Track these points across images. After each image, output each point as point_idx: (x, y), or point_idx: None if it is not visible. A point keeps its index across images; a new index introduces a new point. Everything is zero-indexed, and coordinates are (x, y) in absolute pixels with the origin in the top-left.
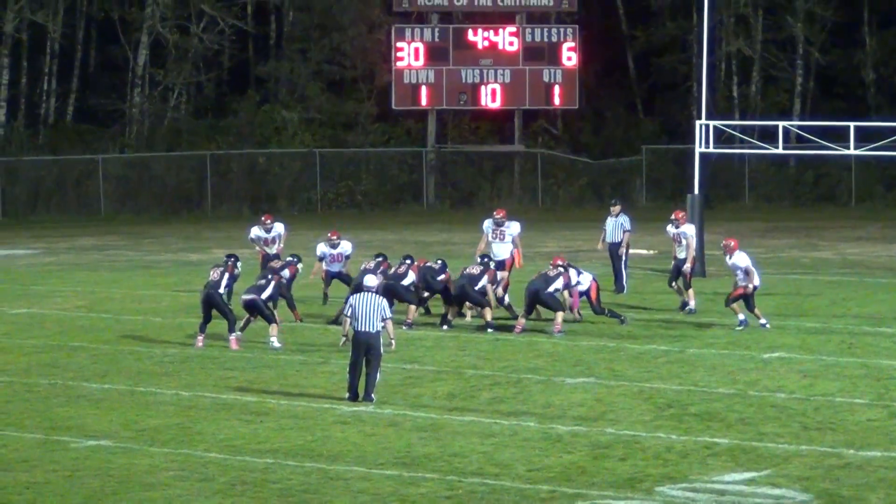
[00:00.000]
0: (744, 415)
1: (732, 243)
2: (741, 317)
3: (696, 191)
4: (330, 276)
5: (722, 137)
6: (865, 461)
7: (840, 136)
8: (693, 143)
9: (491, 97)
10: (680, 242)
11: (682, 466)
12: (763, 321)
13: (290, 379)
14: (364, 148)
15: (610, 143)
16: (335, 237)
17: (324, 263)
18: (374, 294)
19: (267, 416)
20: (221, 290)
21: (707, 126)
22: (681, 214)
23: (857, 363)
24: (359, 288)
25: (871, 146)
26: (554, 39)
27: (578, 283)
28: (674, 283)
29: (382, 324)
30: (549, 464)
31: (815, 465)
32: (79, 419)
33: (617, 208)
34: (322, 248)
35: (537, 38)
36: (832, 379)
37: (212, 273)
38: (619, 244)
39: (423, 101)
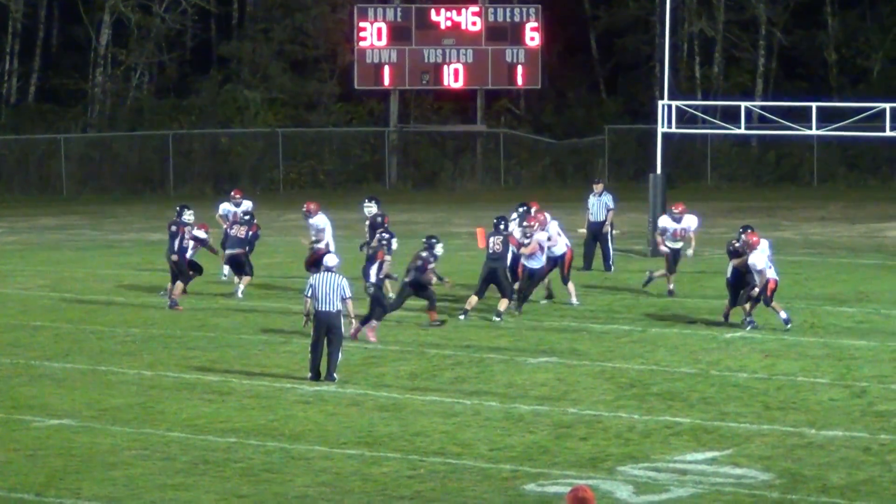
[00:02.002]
0: (706, 394)
1: (754, 240)
2: (783, 315)
3: (659, 170)
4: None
5: (684, 118)
6: (827, 440)
7: (802, 117)
8: (655, 123)
9: (453, 77)
10: (683, 237)
11: (643, 446)
12: (750, 319)
13: (253, 359)
14: (326, 128)
15: (572, 123)
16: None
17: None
18: (333, 274)
19: (229, 395)
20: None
21: (669, 106)
22: (681, 207)
23: (818, 343)
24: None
25: (833, 126)
26: (517, 19)
27: (551, 241)
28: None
29: (342, 303)
30: (511, 443)
31: (776, 444)
32: (41, 398)
33: (600, 186)
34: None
35: (500, 18)
36: (794, 359)
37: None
38: (602, 223)
39: (386, 81)
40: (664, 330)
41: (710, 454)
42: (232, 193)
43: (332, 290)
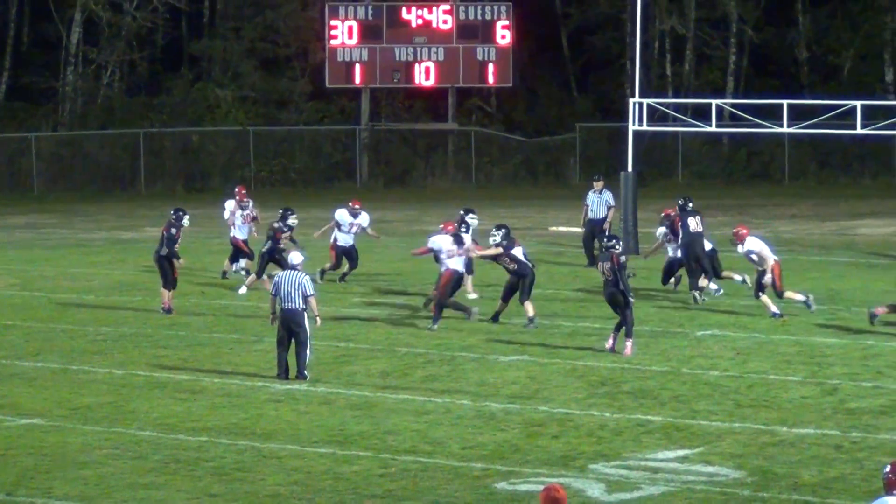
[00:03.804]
0: (677, 392)
1: (743, 231)
2: (801, 297)
3: (630, 168)
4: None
5: (655, 115)
6: (798, 438)
7: (773, 114)
8: (626, 121)
9: (425, 75)
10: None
11: (615, 444)
12: (774, 309)
13: (224, 357)
14: (298, 126)
15: (544, 120)
16: (356, 206)
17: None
18: (297, 272)
19: (200, 394)
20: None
21: (640, 104)
22: (674, 211)
23: (790, 341)
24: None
25: (804, 124)
26: (488, 17)
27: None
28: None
29: (304, 302)
30: (482, 441)
31: (748, 442)
32: (12, 397)
33: (600, 184)
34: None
35: (471, 16)
36: (765, 357)
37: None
38: (602, 220)
39: (357, 80)
40: (636, 328)
41: (681, 452)
42: (237, 189)
43: (295, 288)
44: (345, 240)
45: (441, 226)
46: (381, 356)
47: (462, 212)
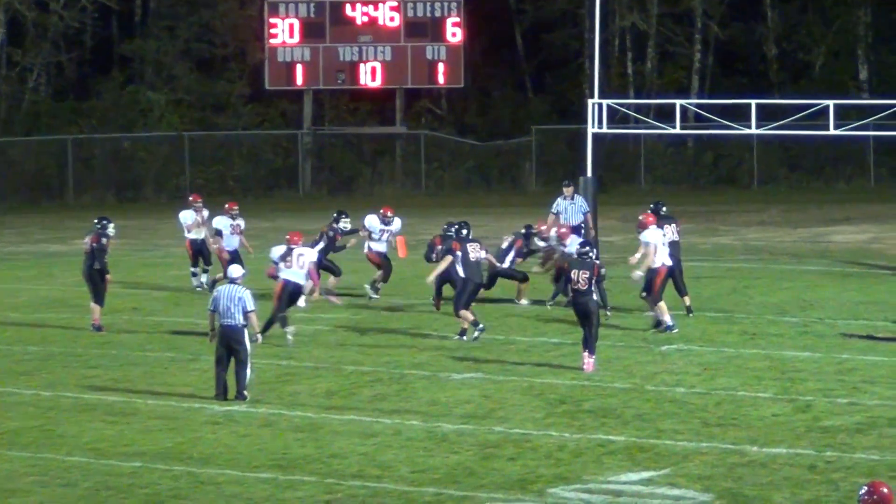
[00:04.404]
0: (641, 411)
1: (649, 220)
2: (667, 319)
3: (589, 173)
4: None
5: (616, 117)
6: (769, 458)
7: (741, 115)
8: (585, 123)
9: (371, 76)
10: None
11: (575, 466)
12: (669, 323)
13: (158, 377)
14: (236, 131)
15: (497, 123)
16: (389, 213)
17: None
18: (236, 286)
19: (133, 416)
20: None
21: (600, 105)
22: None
23: (760, 355)
24: None
25: (774, 125)
26: (437, 14)
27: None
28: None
29: (245, 318)
30: (434, 465)
31: (716, 463)
32: None
33: (570, 189)
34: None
35: (419, 13)
36: (734, 372)
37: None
38: (577, 227)
39: (299, 81)
40: (596, 342)
41: (645, 474)
42: (227, 206)
43: (234, 303)
44: (378, 248)
45: (288, 236)
46: (325, 375)
47: (335, 214)
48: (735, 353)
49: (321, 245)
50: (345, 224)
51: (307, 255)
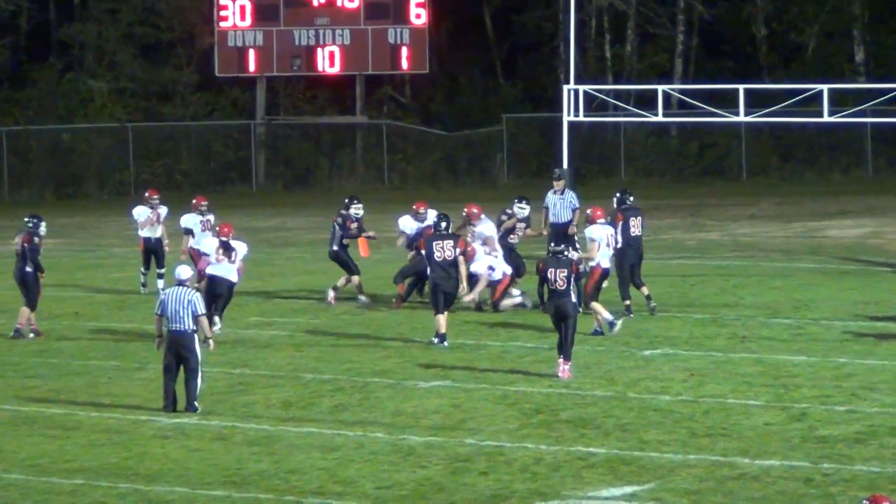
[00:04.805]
0: (623, 420)
1: (598, 213)
2: (607, 315)
3: (566, 165)
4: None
5: (593, 104)
6: (762, 471)
7: (728, 101)
8: (560, 111)
9: (329, 61)
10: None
11: (552, 480)
12: (609, 318)
13: (102, 387)
14: (184, 121)
15: (466, 112)
16: (422, 209)
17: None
18: (185, 288)
19: (75, 430)
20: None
21: (576, 91)
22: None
23: (751, 359)
24: None
25: (764, 111)
26: None
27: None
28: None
29: (195, 323)
30: (400, 480)
31: (705, 476)
32: None
33: (561, 183)
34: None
35: None
36: (723, 378)
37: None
38: (567, 224)
39: (251, 67)
40: (574, 347)
41: (628, 489)
42: (195, 202)
43: (183, 306)
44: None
45: (218, 228)
46: (282, 384)
47: (346, 200)
48: (724, 358)
49: (337, 238)
50: (356, 210)
51: (239, 250)
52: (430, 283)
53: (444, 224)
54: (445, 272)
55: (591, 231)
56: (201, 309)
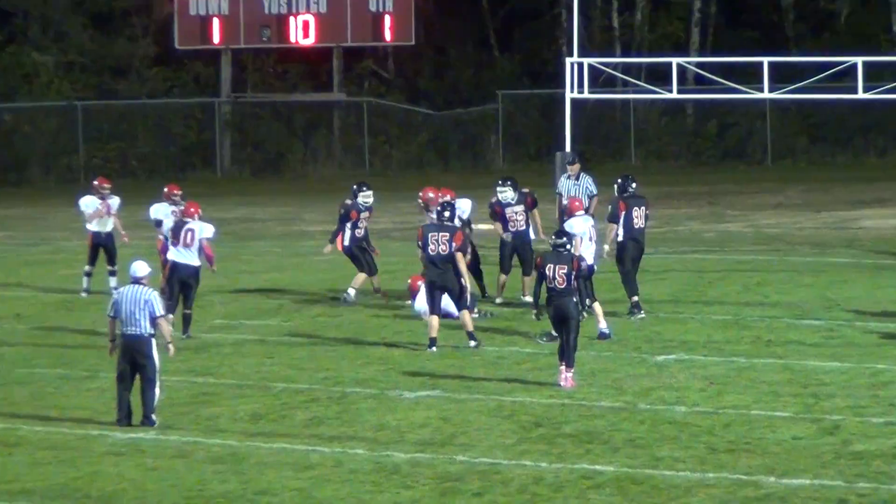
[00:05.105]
0: (633, 435)
1: (573, 203)
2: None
3: (568, 147)
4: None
5: (600, 79)
6: (790, 491)
7: (751, 76)
8: (562, 87)
9: (302, 32)
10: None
11: (554, 502)
12: (603, 326)
13: (48, 399)
14: (140, 99)
15: (456, 88)
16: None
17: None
18: (141, 287)
19: (18, 447)
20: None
21: (580, 65)
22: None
23: (777, 366)
24: None
25: (791, 87)
26: None
27: None
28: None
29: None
30: (383, 501)
31: (725, 497)
32: None
33: (576, 167)
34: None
35: None
36: (746, 387)
37: None
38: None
39: (215, 39)
40: (578, 353)
41: None
42: (167, 190)
43: (139, 307)
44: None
45: (182, 207)
46: (251, 394)
47: (354, 186)
48: (747, 364)
49: (348, 230)
50: (365, 199)
51: (204, 231)
52: (426, 280)
53: (446, 213)
54: (438, 268)
55: (572, 225)
56: (160, 310)
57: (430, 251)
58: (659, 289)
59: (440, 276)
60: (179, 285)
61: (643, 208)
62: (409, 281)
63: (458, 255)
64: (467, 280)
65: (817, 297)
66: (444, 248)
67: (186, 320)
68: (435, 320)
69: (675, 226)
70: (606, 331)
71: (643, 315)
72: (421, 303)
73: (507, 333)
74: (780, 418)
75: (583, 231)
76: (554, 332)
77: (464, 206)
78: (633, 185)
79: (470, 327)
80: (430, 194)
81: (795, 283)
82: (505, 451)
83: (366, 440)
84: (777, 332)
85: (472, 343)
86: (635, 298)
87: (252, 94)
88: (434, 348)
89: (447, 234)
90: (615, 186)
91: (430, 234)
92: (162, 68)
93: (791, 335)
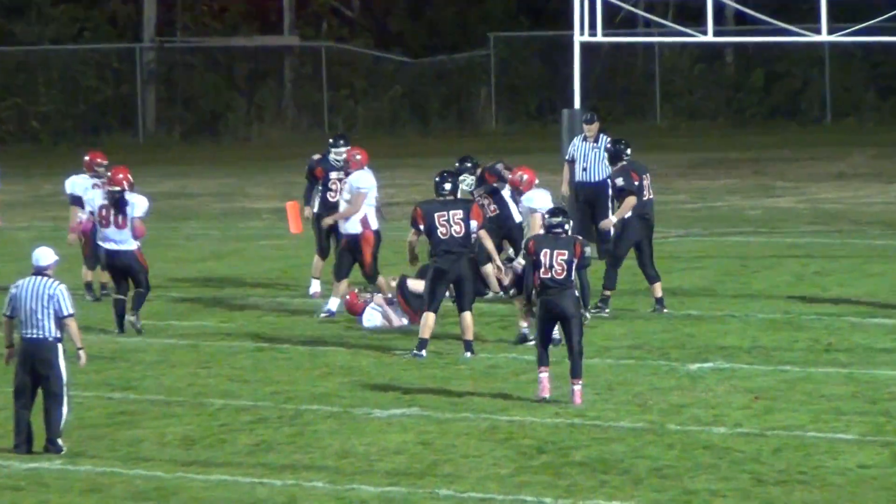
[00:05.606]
0: (661, 462)
1: (525, 176)
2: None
3: (577, 104)
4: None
5: (617, 18)
6: None
7: (805, 14)
8: (570, 28)
9: None
10: None
11: None
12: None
13: None
14: (42, 45)
15: (437, 31)
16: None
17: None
18: (45, 278)
19: None
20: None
21: (592, 1)
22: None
23: (839, 376)
24: None
25: (854, 27)
26: None
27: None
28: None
29: (59, 328)
30: None
31: None
32: None
33: (594, 127)
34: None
35: None
36: (800, 403)
37: None
38: (602, 184)
39: None
40: (591, 360)
41: None
42: (88, 159)
43: (42, 304)
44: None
45: (110, 173)
46: (181, 413)
47: (331, 140)
48: (801, 374)
49: (318, 194)
50: (337, 156)
51: (136, 208)
52: (432, 270)
53: (448, 185)
54: (454, 254)
55: (531, 199)
56: (68, 307)
57: (440, 235)
58: (691, 280)
59: (454, 263)
60: (122, 275)
61: (649, 175)
62: (348, 298)
63: (483, 233)
64: (498, 263)
65: (889, 290)
66: (458, 228)
67: (139, 299)
68: (431, 318)
69: (712, 201)
70: (526, 332)
71: (607, 314)
72: (372, 317)
73: (501, 337)
74: (843, 441)
75: (544, 206)
76: (529, 335)
77: (538, 201)
78: (629, 150)
79: (469, 335)
80: (358, 155)
81: (862, 273)
82: (500, 483)
83: (325, 470)
84: (839, 333)
85: (468, 354)
86: (608, 293)
87: (182, 39)
88: (423, 352)
89: (460, 210)
90: (606, 154)
91: (436, 215)
92: (69, 7)
93: (856, 337)
